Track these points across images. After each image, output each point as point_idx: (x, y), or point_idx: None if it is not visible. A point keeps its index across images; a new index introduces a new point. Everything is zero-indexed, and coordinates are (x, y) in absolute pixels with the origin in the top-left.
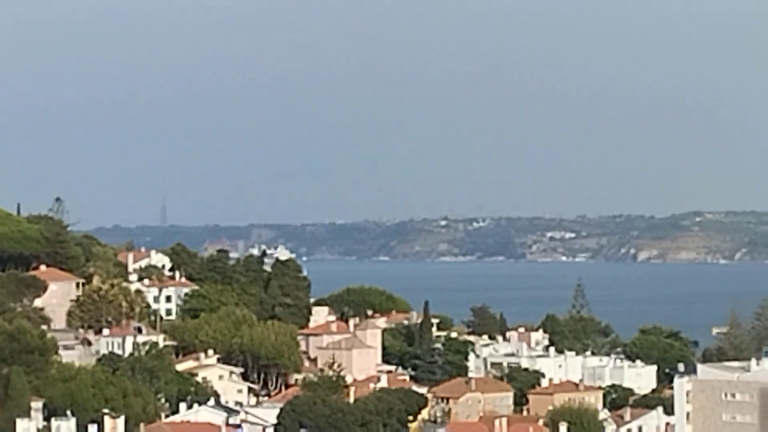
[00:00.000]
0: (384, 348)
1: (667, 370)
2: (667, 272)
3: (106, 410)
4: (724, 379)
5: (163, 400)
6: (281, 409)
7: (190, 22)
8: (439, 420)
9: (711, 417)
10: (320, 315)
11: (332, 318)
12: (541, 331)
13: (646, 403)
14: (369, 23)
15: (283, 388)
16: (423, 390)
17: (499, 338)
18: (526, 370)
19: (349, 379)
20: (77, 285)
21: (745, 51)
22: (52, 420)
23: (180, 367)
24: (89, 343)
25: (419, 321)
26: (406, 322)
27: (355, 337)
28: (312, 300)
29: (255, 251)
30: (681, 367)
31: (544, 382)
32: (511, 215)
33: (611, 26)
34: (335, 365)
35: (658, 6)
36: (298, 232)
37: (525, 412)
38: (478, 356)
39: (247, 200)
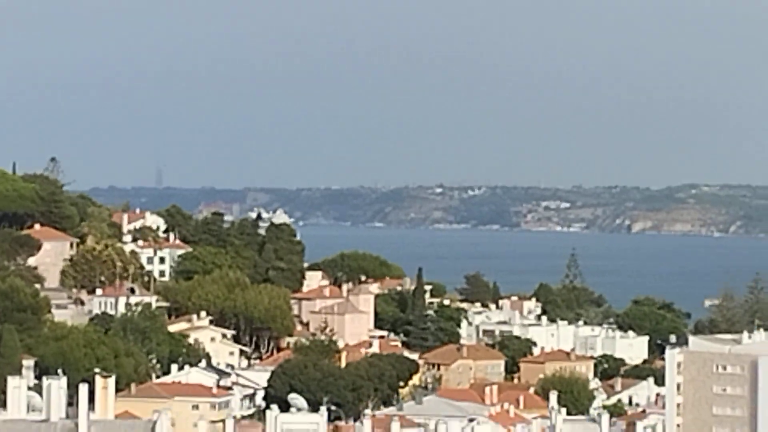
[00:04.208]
0: (376, 313)
1: (658, 341)
2: (662, 244)
3: (97, 370)
4: (715, 351)
5: (154, 361)
6: (272, 373)
7: None
8: (430, 386)
9: (702, 389)
10: (314, 279)
11: (325, 283)
12: (533, 300)
13: (637, 373)
14: None
15: (274, 351)
16: (414, 356)
17: (492, 306)
18: (518, 338)
19: (341, 344)
20: (71, 245)
21: (740, 26)
22: (44, 378)
23: (172, 328)
24: (82, 303)
25: (412, 287)
26: (399, 288)
27: (348, 302)
28: (306, 264)
29: (253, 214)
30: (673, 338)
31: (536, 351)
32: (507, 184)
33: (606, 8)
34: (327, 330)
35: None
36: (293, 197)
37: (516, 380)
38: (470, 324)
39: (243, 164)
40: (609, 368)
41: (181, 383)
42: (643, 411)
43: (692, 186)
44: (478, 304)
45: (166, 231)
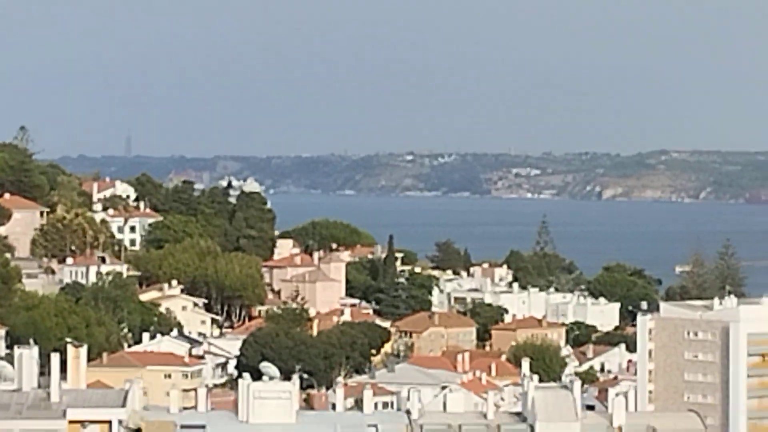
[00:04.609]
0: (348, 281)
1: (630, 308)
2: (632, 210)
3: (68, 339)
4: (686, 317)
5: (126, 330)
6: (244, 341)
7: None
8: (402, 354)
9: (673, 355)
10: (285, 248)
11: (296, 251)
12: (505, 267)
13: (609, 340)
14: None
15: (246, 319)
16: (386, 324)
17: (463, 274)
18: (489, 305)
19: (312, 312)
20: (41, 214)
21: None
22: (15, 348)
23: (143, 297)
24: (53, 272)
25: (383, 255)
26: (370, 256)
27: (319, 270)
28: (277, 232)
29: (224, 183)
30: (644, 304)
31: (508, 318)
32: (477, 151)
33: None
34: (299, 298)
35: None
36: (263, 165)
37: (488, 348)
38: (441, 291)
39: (213, 132)
40: (580, 335)
41: (153, 352)
42: (615, 378)
43: (662, 152)
44: (449, 272)
45: (136, 200)
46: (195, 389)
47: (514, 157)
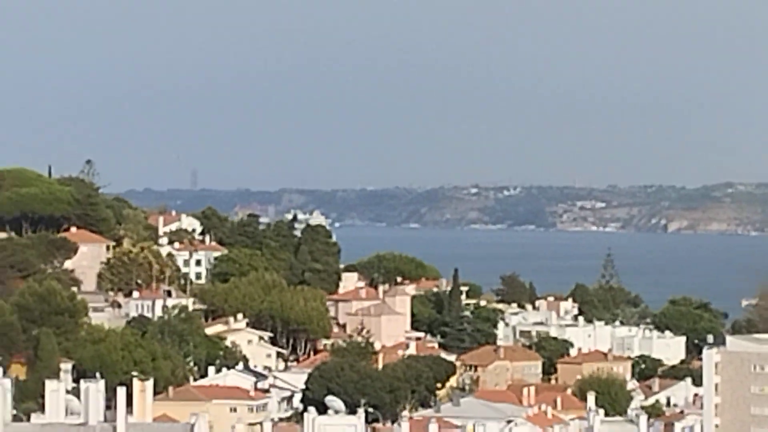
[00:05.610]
0: (413, 315)
1: (696, 341)
2: (698, 243)
3: (135, 373)
4: (753, 351)
5: (191, 364)
6: (309, 375)
7: None
8: (467, 388)
9: (740, 389)
10: (350, 281)
11: (362, 284)
12: (570, 300)
13: (675, 373)
14: None
15: (311, 353)
16: (451, 357)
17: (529, 307)
18: (554, 339)
19: (377, 346)
20: (107, 247)
21: None
22: (81, 382)
23: (209, 330)
24: (119, 306)
25: (449, 288)
26: (435, 290)
27: (385, 303)
28: (342, 266)
29: (289, 216)
30: (710, 338)
31: (573, 352)
32: (542, 184)
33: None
34: (364, 331)
35: None
36: (328, 198)
37: (553, 381)
38: (507, 325)
39: (278, 165)
40: (646, 369)
41: (218, 386)
42: (681, 411)
43: (728, 185)
44: (514, 305)
45: (202, 233)
46: (260, 423)
47: (579, 190)
